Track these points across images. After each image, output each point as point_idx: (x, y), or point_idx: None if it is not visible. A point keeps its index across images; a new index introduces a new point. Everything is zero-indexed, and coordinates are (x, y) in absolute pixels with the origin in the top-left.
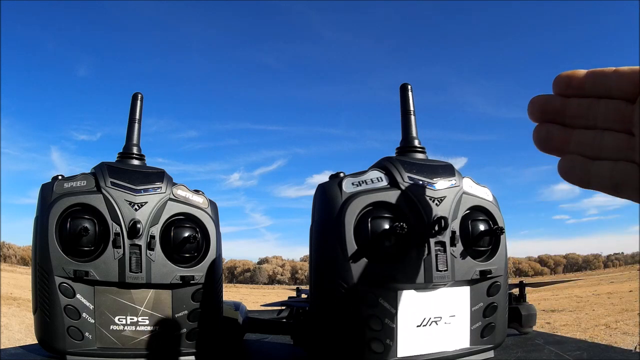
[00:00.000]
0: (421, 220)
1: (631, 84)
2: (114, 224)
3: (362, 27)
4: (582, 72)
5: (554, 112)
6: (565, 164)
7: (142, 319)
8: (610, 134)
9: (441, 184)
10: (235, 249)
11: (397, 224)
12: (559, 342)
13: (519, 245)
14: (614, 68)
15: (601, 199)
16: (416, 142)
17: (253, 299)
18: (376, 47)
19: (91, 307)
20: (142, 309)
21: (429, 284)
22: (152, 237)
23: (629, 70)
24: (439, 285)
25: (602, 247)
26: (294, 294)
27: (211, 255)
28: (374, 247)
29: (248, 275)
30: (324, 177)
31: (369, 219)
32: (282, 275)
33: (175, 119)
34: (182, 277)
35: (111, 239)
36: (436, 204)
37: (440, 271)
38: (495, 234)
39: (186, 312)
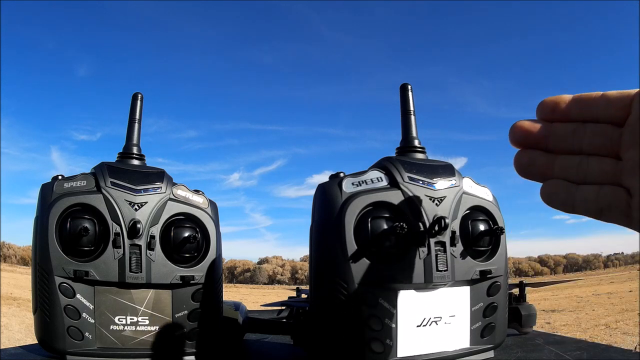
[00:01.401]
0: (421, 220)
1: (619, 108)
2: (114, 224)
3: (362, 27)
4: (568, 97)
5: (537, 138)
6: (548, 188)
7: (142, 319)
8: (596, 158)
9: (441, 184)
10: (235, 249)
11: (397, 224)
12: (559, 342)
13: (519, 245)
14: (600, 93)
15: None
16: (416, 142)
17: (253, 299)
18: (376, 47)
19: (91, 307)
20: (142, 309)
21: (429, 284)
22: (152, 237)
23: (617, 95)
24: (439, 285)
25: (602, 247)
26: (294, 294)
27: (211, 255)
28: (374, 247)
29: (248, 275)
30: (324, 177)
31: (369, 219)
32: (282, 275)
33: (175, 119)
34: (182, 277)
35: (111, 239)
36: (436, 204)
37: (440, 271)
38: (495, 234)
39: (186, 312)
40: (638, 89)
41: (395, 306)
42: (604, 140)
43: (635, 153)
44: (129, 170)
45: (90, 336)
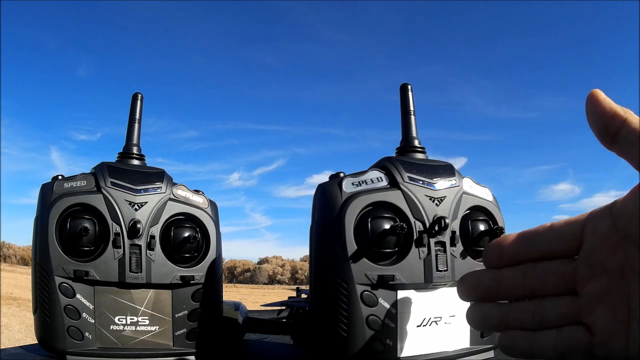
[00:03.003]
0: (421, 220)
1: (569, 239)
2: (114, 224)
3: (362, 27)
4: (512, 237)
5: (486, 290)
6: (505, 341)
7: (142, 319)
8: (551, 300)
9: (441, 184)
10: (235, 249)
11: (397, 224)
12: None
13: None
14: (548, 224)
15: (601, 198)
16: (416, 142)
17: (253, 299)
18: (376, 47)
19: (91, 307)
20: (142, 309)
21: (429, 284)
22: (152, 237)
23: (565, 224)
24: (439, 285)
25: None
26: (294, 294)
27: (211, 255)
28: (374, 247)
29: (248, 275)
30: (323, 177)
31: (369, 219)
32: (282, 275)
33: (175, 119)
34: (182, 277)
35: (111, 239)
36: (436, 204)
37: (440, 271)
38: (495, 234)
39: (186, 312)
40: (587, 214)
41: (395, 306)
42: (557, 278)
43: (592, 287)
44: (129, 170)
45: (90, 336)
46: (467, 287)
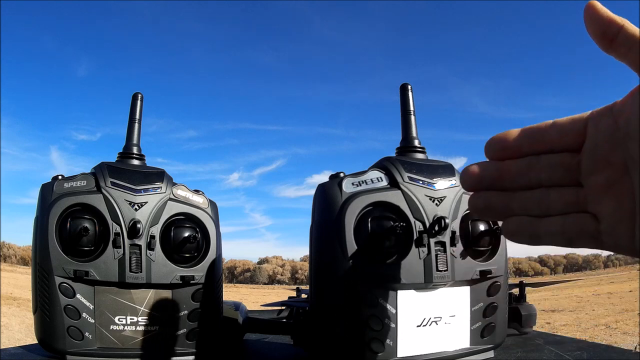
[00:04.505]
0: (421, 220)
1: (573, 135)
2: (114, 224)
3: (362, 27)
4: (515, 132)
5: (490, 180)
6: (511, 226)
7: (142, 319)
8: (556, 190)
9: (441, 184)
10: (235, 249)
11: (397, 224)
12: (559, 342)
13: (519, 246)
14: (550, 122)
15: None
16: (416, 142)
17: (253, 299)
18: (376, 47)
19: (91, 307)
20: (142, 309)
21: (429, 284)
22: (152, 237)
23: (569, 121)
24: (439, 285)
25: None
26: (294, 294)
27: (211, 255)
28: (374, 247)
29: (248, 275)
30: (323, 177)
31: (369, 219)
32: (282, 275)
33: (175, 118)
34: (182, 277)
35: (111, 239)
36: (436, 204)
37: (440, 271)
38: (495, 234)
39: (186, 312)
40: (589, 113)
41: (395, 306)
42: (562, 170)
43: (597, 179)
44: (129, 170)
45: (90, 336)
46: (471, 175)
